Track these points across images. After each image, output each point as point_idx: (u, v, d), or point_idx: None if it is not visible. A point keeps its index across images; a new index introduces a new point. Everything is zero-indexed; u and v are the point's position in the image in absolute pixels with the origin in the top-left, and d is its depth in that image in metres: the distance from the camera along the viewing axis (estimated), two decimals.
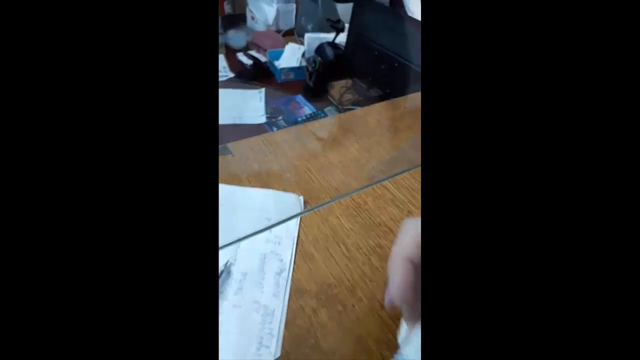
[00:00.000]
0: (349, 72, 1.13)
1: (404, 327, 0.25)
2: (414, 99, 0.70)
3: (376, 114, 0.65)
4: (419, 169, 0.51)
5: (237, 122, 1.05)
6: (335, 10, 1.25)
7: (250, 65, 1.24)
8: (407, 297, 0.22)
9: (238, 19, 1.43)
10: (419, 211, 0.46)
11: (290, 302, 0.35)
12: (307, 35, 1.21)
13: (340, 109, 1.06)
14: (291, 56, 1.23)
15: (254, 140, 0.54)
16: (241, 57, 1.29)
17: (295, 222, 0.42)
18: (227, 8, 1.41)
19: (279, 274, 0.37)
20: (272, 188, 0.46)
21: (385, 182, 0.49)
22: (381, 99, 0.71)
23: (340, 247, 0.40)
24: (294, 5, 1.41)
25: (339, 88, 1.12)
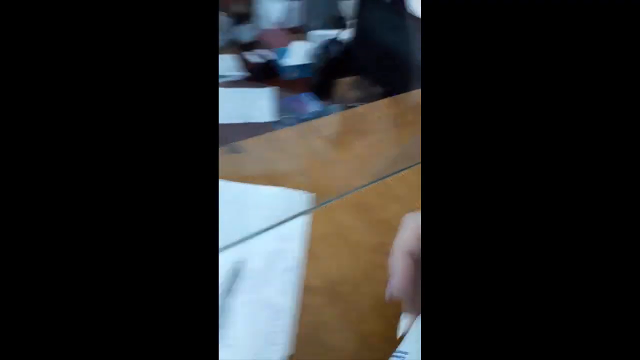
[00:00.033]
0: (354, 69, 1.13)
1: (404, 321, 0.25)
2: (417, 96, 0.69)
3: (380, 110, 0.65)
4: None
5: (245, 121, 1.06)
6: (340, 7, 1.25)
7: (258, 64, 1.25)
8: (407, 290, 0.23)
9: (245, 18, 1.44)
10: None
11: (298, 300, 0.36)
12: (313, 32, 1.21)
13: (346, 106, 1.06)
14: (298, 54, 1.23)
15: (262, 138, 0.55)
16: (249, 56, 1.30)
17: (303, 219, 0.43)
18: (235, 7, 1.42)
19: (288, 271, 0.38)
20: (280, 185, 0.47)
21: (389, 179, 0.50)
22: (385, 95, 0.71)
23: (345, 244, 0.41)
24: (300, 3, 1.41)
25: (344, 85, 1.12)
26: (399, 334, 0.25)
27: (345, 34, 1.14)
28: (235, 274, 0.37)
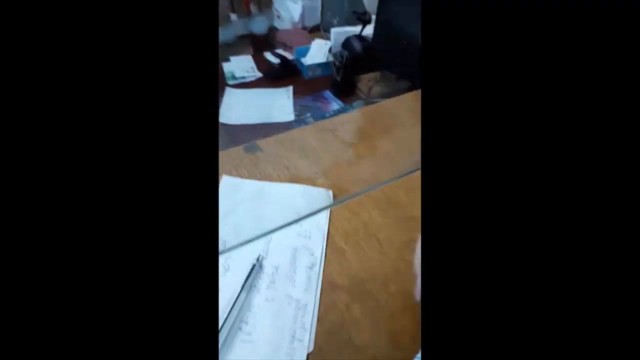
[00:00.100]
0: (376, 64, 1.10)
1: None
2: None
3: (405, 104, 0.63)
4: None
5: (266, 121, 1.06)
6: (361, 2, 1.23)
7: (278, 64, 1.25)
8: None
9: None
10: None
11: (322, 296, 0.34)
12: (333, 30, 1.20)
13: (369, 102, 1.04)
14: (318, 52, 1.22)
15: (283, 137, 0.54)
16: (268, 56, 1.30)
17: (325, 216, 0.42)
18: (253, 8, 1.43)
19: (310, 268, 0.37)
20: (301, 183, 0.46)
21: (418, 174, 0.47)
22: (410, 89, 0.68)
23: (372, 241, 0.39)
24: (319, 1, 1.40)
25: (367, 81, 1.10)
26: None
27: (367, 29, 1.12)
28: (256, 269, 0.36)
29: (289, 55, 1.28)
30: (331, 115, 1.06)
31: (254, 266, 0.36)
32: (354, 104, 1.08)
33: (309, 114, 1.08)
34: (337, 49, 1.16)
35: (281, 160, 0.50)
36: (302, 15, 1.40)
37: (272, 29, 1.40)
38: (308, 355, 0.30)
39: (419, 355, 0.23)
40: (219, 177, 0.46)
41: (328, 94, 1.16)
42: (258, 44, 1.37)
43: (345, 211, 0.43)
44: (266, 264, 0.37)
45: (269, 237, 0.39)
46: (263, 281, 0.35)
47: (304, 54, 1.24)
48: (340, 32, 1.18)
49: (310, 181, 0.46)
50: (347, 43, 1.13)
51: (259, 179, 0.46)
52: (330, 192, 0.45)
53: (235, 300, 0.33)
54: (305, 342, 0.31)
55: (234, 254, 0.38)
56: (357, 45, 1.10)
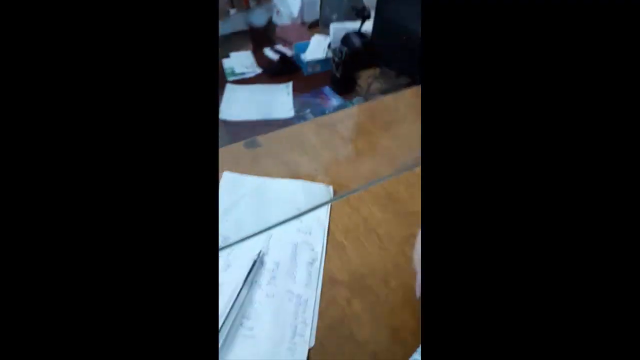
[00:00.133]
0: (376, 60, 1.10)
1: None
2: None
3: (405, 100, 0.63)
4: None
5: (266, 117, 1.06)
6: None
7: (277, 60, 1.24)
8: None
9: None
10: None
11: (323, 292, 0.35)
12: (332, 25, 1.19)
13: (368, 98, 1.04)
14: (317, 48, 1.22)
15: (282, 133, 0.54)
16: (268, 52, 1.30)
17: (325, 212, 0.42)
18: (252, 3, 1.42)
19: (311, 263, 0.37)
20: (302, 179, 0.46)
21: (418, 170, 0.47)
22: (410, 85, 0.68)
23: (372, 237, 0.39)
24: None
25: (366, 77, 1.10)
26: None
27: (367, 25, 1.12)
28: (257, 265, 0.36)
29: (288, 52, 1.28)
30: (331, 112, 1.06)
31: (255, 262, 0.36)
32: (354, 100, 1.08)
33: (308, 110, 1.08)
34: (337, 44, 1.15)
35: (281, 156, 0.50)
36: (301, 11, 1.39)
37: (272, 23, 1.39)
38: (309, 350, 0.31)
39: (419, 350, 0.23)
40: (220, 173, 0.46)
41: (327, 90, 1.15)
42: (257, 39, 1.36)
43: (345, 207, 0.43)
44: (267, 259, 0.37)
45: (269, 232, 0.40)
46: (264, 277, 0.36)
47: (303, 50, 1.23)
48: (339, 28, 1.18)
49: (310, 177, 0.46)
50: (346, 39, 1.12)
51: (259, 175, 0.46)
52: (331, 188, 0.45)
53: (237, 296, 0.33)
54: (307, 337, 0.31)
55: (235, 250, 0.38)
56: (356, 41, 1.09)
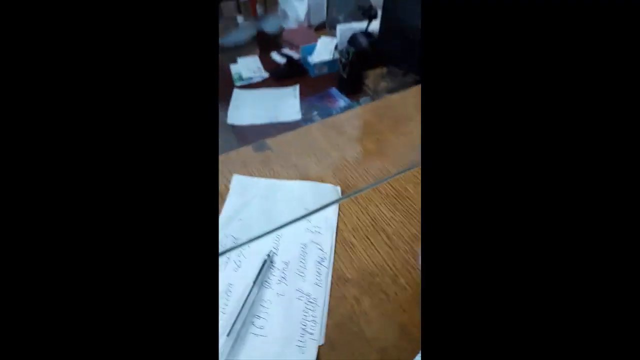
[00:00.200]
0: (383, 59, 1.10)
1: None
2: None
3: (412, 99, 0.63)
4: None
5: (273, 120, 1.07)
6: None
7: (284, 64, 1.25)
8: None
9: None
10: None
11: (332, 290, 0.35)
12: (339, 26, 1.20)
13: (375, 98, 1.04)
14: (324, 50, 1.22)
15: (291, 136, 0.55)
16: (274, 56, 1.31)
17: (334, 211, 0.42)
18: (259, 9, 1.44)
19: (320, 262, 0.37)
20: (310, 180, 0.46)
21: None
22: (417, 84, 0.68)
23: (381, 235, 0.40)
24: None
25: (373, 77, 1.10)
26: None
27: (374, 25, 1.12)
28: (267, 265, 0.37)
29: (295, 55, 1.28)
30: (338, 113, 1.06)
31: (265, 262, 0.37)
32: (361, 100, 1.08)
33: (315, 112, 1.09)
34: (343, 45, 1.16)
35: (290, 158, 0.50)
36: (308, 13, 1.40)
37: (281, 28, 1.40)
38: (319, 347, 0.31)
39: None
40: (230, 176, 0.47)
41: (334, 91, 1.16)
42: (264, 44, 1.38)
43: (353, 206, 0.43)
44: (277, 259, 0.38)
45: (279, 233, 0.40)
46: (274, 276, 0.36)
47: (310, 52, 1.24)
48: (346, 29, 1.18)
49: (319, 178, 0.47)
50: (353, 39, 1.13)
51: (269, 177, 0.47)
52: (339, 188, 0.45)
53: (248, 296, 0.33)
54: (316, 335, 0.32)
55: (245, 250, 0.38)
56: (363, 41, 1.09)
